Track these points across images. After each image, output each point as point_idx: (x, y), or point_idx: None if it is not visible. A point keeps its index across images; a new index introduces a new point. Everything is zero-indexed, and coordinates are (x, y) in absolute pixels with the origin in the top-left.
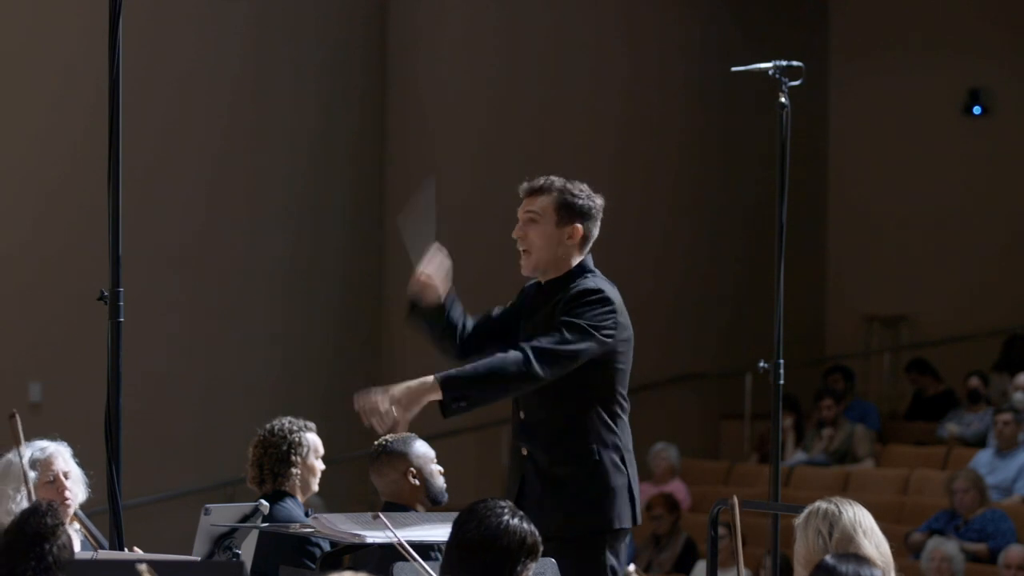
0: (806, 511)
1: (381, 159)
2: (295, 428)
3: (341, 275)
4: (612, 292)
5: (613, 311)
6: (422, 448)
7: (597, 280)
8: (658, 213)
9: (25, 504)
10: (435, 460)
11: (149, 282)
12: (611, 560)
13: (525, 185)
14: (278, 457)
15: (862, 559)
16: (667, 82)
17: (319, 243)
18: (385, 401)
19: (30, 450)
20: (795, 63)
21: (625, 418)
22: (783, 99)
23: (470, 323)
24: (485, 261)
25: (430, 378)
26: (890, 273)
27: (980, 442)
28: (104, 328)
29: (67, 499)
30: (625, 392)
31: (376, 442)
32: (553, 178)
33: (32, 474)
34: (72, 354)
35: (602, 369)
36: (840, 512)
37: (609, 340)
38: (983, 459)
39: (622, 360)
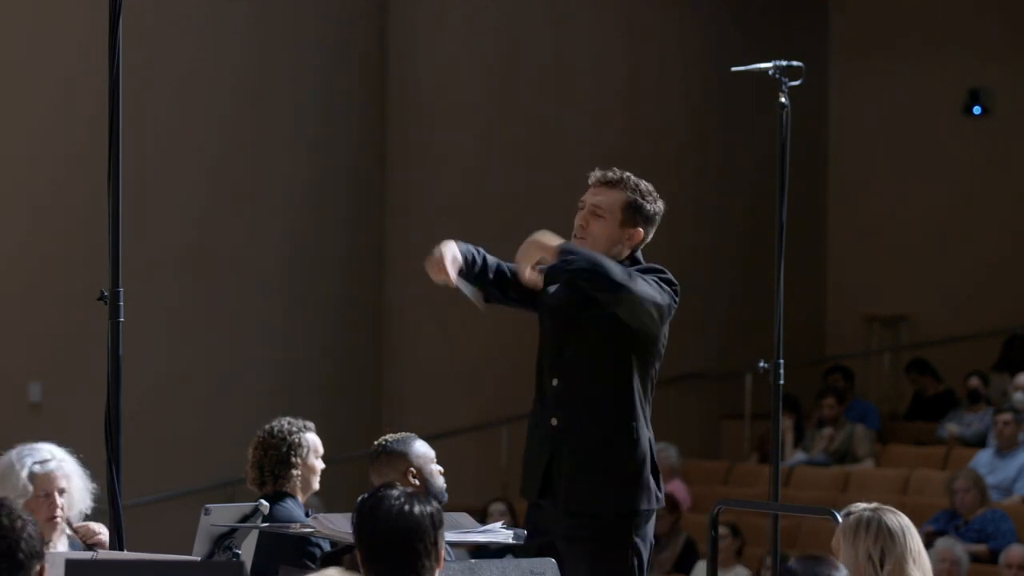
0: (854, 520)
1: (381, 159)
2: (295, 429)
3: (341, 275)
4: None
5: (677, 290)
6: (422, 448)
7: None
8: None
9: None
10: (435, 460)
11: (149, 282)
12: (638, 541)
13: (598, 173)
14: (278, 459)
15: (827, 561)
16: (667, 82)
17: (319, 243)
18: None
19: (31, 458)
20: (795, 63)
21: (650, 404)
22: (783, 99)
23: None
24: None
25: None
26: (890, 273)
27: (980, 442)
28: (104, 328)
29: (55, 517)
30: (655, 380)
31: (376, 442)
32: (628, 174)
33: (30, 486)
34: (72, 354)
35: (647, 346)
36: (892, 539)
37: (672, 313)
38: (983, 459)
39: (663, 344)
